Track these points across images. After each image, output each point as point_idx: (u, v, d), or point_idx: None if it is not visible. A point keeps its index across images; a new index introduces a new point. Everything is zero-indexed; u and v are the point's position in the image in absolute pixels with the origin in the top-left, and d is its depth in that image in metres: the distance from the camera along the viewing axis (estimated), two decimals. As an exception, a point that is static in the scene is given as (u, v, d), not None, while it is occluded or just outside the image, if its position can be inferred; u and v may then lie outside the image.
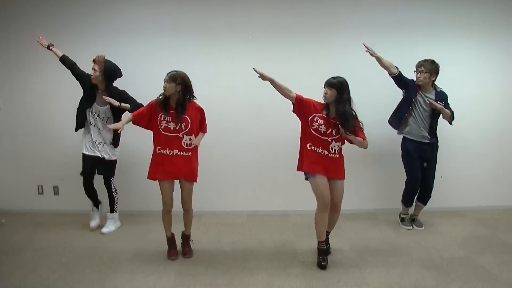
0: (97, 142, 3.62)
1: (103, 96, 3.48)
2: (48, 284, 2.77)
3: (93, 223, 3.77)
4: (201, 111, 3.12)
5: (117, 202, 3.82)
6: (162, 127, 3.01)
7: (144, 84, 3.75)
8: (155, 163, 3.09)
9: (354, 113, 2.96)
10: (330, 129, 2.93)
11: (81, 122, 3.63)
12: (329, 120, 2.94)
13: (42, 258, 3.17)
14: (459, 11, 4.03)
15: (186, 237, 3.28)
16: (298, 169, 3.08)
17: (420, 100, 3.54)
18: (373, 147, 4.09)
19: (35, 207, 4.28)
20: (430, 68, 3.48)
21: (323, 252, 3.04)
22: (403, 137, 3.69)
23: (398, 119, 3.67)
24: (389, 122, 3.76)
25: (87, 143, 3.64)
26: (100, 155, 3.63)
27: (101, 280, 2.83)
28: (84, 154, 3.64)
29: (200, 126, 3.14)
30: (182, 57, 3.97)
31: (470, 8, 4.03)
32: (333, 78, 2.94)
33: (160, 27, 4.02)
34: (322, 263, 2.99)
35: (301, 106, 2.97)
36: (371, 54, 3.37)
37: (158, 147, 3.06)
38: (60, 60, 3.59)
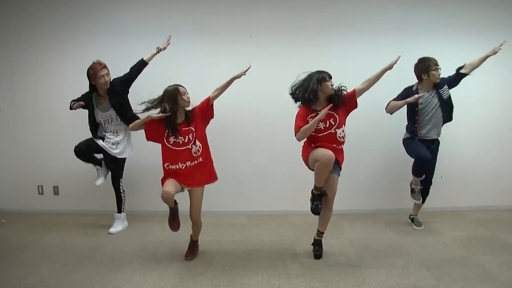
0: (113, 143, 3.63)
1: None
2: (48, 284, 2.77)
3: (98, 181, 3.71)
4: (199, 109, 3.02)
5: (124, 203, 3.83)
6: (171, 143, 2.93)
7: (144, 84, 3.72)
8: (168, 176, 2.94)
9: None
10: (327, 121, 2.93)
11: (95, 132, 3.64)
12: (317, 114, 2.89)
13: (42, 258, 3.17)
14: (460, 10, 4.03)
15: (193, 242, 3.23)
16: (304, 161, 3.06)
17: (427, 101, 3.49)
18: (373, 147, 4.13)
19: (35, 207, 4.29)
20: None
21: (317, 198, 2.98)
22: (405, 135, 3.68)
23: (411, 126, 3.60)
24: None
25: (104, 139, 3.63)
26: (108, 151, 3.62)
27: (101, 280, 2.83)
28: (92, 139, 3.62)
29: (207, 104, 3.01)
30: (182, 57, 3.98)
31: (472, 6, 4.04)
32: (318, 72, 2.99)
33: (160, 27, 4.00)
34: (313, 206, 2.98)
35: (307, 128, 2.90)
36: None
37: (167, 164, 2.95)
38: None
